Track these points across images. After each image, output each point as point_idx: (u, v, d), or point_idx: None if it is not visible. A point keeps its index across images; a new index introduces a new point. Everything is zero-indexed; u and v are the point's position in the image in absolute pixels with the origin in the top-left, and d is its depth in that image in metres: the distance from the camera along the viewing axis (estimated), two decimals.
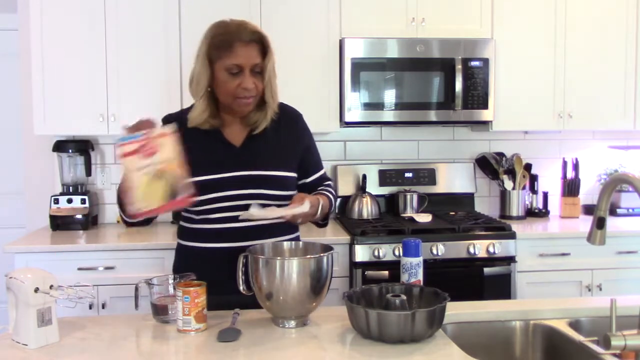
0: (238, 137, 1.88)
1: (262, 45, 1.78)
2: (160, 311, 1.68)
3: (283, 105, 1.94)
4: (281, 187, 1.86)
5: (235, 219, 1.80)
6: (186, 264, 1.91)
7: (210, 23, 1.87)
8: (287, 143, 1.92)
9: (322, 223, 1.96)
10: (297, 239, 1.95)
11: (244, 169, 1.82)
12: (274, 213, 1.72)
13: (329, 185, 2.03)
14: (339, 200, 3.54)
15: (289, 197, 1.83)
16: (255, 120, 1.86)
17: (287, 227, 1.90)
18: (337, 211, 3.57)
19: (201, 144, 1.84)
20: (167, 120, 1.91)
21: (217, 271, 1.75)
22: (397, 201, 3.50)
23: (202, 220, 1.86)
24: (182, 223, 1.96)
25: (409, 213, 3.44)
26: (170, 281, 1.74)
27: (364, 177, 3.48)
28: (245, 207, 1.77)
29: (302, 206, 1.71)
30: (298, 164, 1.93)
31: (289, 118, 1.95)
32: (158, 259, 2.93)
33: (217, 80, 1.79)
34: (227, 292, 1.69)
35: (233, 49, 1.75)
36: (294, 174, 1.91)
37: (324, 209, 1.84)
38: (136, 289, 1.72)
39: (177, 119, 1.84)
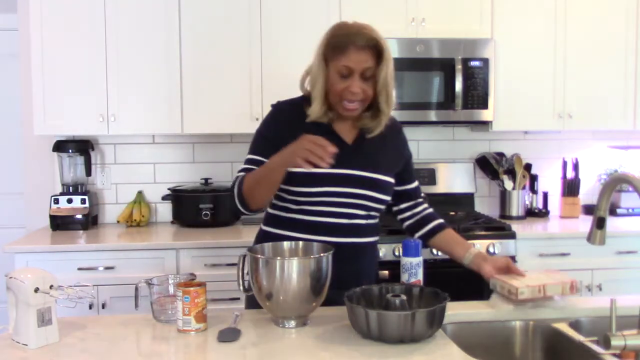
0: (349, 135, 1.89)
1: (377, 51, 1.77)
2: (160, 311, 1.68)
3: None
4: (384, 191, 1.89)
5: (333, 215, 1.83)
6: None
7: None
8: (393, 150, 1.95)
9: None
10: (377, 242, 1.97)
11: (356, 167, 1.84)
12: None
13: (425, 200, 2.12)
14: None
15: (386, 202, 1.92)
16: (366, 124, 1.87)
17: (374, 231, 1.93)
18: None
19: (314, 135, 1.78)
20: (280, 105, 1.92)
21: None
22: None
23: (299, 210, 1.85)
24: (272, 211, 1.91)
25: None
26: (170, 281, 1.74)
27: None
28: (346, 204, 1.82)
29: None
30: (400, 172, 1.98)
31: (394, 127, 1.97)
32: (158, 259, 2.93)
33: (329, 79, 1.80)
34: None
35: (346, 52, 1.76)
36: (394, 181, 1.95)
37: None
38: (136, 289, 1.72)
39: (290, 109, 1.89)
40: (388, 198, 1.92)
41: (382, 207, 1.92)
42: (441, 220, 2.04)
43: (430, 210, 2.08)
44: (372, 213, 1.90)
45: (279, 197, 1.87)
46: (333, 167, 1.75)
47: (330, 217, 1.83)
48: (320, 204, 1.82)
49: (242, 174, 1.84)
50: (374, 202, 1.87)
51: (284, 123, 1.88)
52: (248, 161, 1.87)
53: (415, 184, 2.07)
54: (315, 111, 1.84)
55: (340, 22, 1.87)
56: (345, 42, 1.77)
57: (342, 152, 1.81)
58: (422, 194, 2.12)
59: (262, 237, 1.94)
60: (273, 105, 1.95)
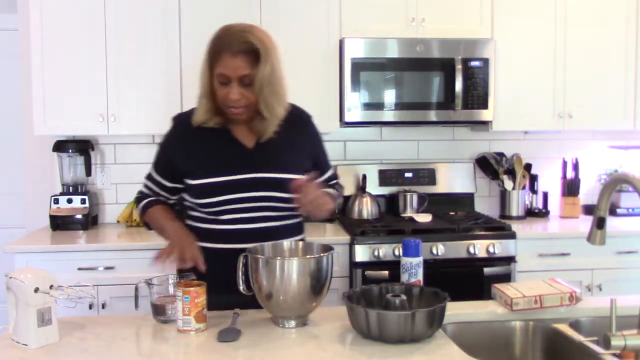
0: (249, 138, 1.86)
1: (255, 55, 1.70)
2: (160, 311, 1.68)
3: (294, 108, 1.92)
4: (292, 189, 1.85)
5: (244, 221, 1.81)
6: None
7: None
8: (298, 145, 1.90)
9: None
10: (302, 240, 1.95)
11: (255, 171, 1.81)
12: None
13: (336, 184, 2.05)
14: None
15: None
16: (258, 129, 1.84)
17: (293, 230, 1.90)
18: (337, 211, 3.56)
19: (211, 144, 1.84)
20: (177, 119, 1.92)
21: (223, 271, 1.73)
22: (397, 201, 3.50)
23: (213, 220, 1.85)
24: (189, 222, 1.92)
25: (409, 213, 3.44)
26: (170, 281, 1.74)
27: (364, 177, 3.48)
28: (255, 209, 1.80)
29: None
30: (312, 165, 1.93)
31: (300, 120, 1.93)
32: None
33: (213, 85, 1.77)
34: (233, 292, 1.67)
35: (221, 58, 1.71)
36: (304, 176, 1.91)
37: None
38: (136, 289, 1.72)
39: (187, 119, 1.86)
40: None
41: (294, 205, 1.83)
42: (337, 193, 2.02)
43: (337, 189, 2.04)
44: (287, 213, 1.86)
45: (193, 209, 1.88)
46: (235, 173, 1.79)
47: (243, 224, 1.82)
48: (230, 211, 1.81)
49: (145, 190, 1.96)
50: (282, 202, 1.82)
51: (179, 135, 1.88)
52: (149, 177, 1.95)
53: (328, 174, 2.01)
54: (197, 116, 1.82)
55: (225, 25, 1.78)
56: (220, 49, 1.72)
57: (243, 157, 1.82)
58: (336, 180, 2.07)
59: None
60: (172, 118, 1.93)
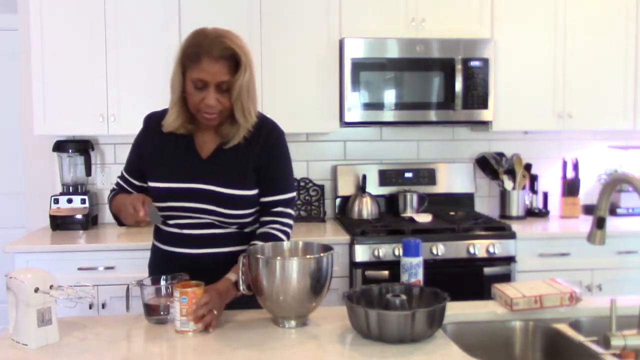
0: (207, 148, 1.84)
1: (234, 61, 1.69)
2: (152, 311, 1.68)
3: (264, 121, 1.86)
4: (239, 206, 1.81)
5: (192, 226, 1.83)
6: (157, 263, 1.96)
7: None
8: (253, 160, 1.83)
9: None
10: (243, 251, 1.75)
11: (203, 182, 1.80)
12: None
13: (276, 224, 1.85)
14: (339, 200, 3.55)
15: (247, 216, 1.83)
16: (226, 133, 1.81)
17: (240, 238, 1.84)
18: (337, 211, 3.57)
19: (171, 150, 1.85)
20: (148, 119, 1.93)
21: (169, 273, 1.76)
22: (397, 201, 3.50)
23: (173, 224, 1.87)
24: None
25: (409, 213, 3.44)
26: (162, 282, 1.73)
27: (364, 177, 3.48)
28: (198, 218, 1.81)
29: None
30: (256, 181, 1.84)
31: (263, 132, 1.84)
32: None
33: (186, 89, 1.75)
34: None
35: (200, 63, 1.68)
36: (254, 192, 1.84)
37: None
38: (127, 290, 1.72)
39: (158, 120, 1.85)
40: (240, 212, 1.81)
41: (241, 220, 1.82)
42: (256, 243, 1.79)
43: (272, 231, 1.83)
44: (231, 223, 1.82)
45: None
46: (183, 181, 1.81)
47: (191, 229, 1.84)
48: (179, 217, 1.83)
49: (115, 188, 1.98)
50: (222, 217, 1.80)
51: (148, 136, 1.90)
52: (121, 176, 1.97)
53: (273, 197, 1.85)
54: (168, 122, 1.81)
55: (199, 29, 1.76)
56: (199, 53, 1.68)
57: (194, 167, 1.82)
58: (282, 210, 1.86)
59: (153, 251, 2.01)
60: (144, 118, 1.95)
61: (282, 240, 1.82)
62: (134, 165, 1.94)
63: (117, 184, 1.99)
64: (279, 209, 1.86)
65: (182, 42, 1.77)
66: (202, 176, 1.81)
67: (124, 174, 1.97)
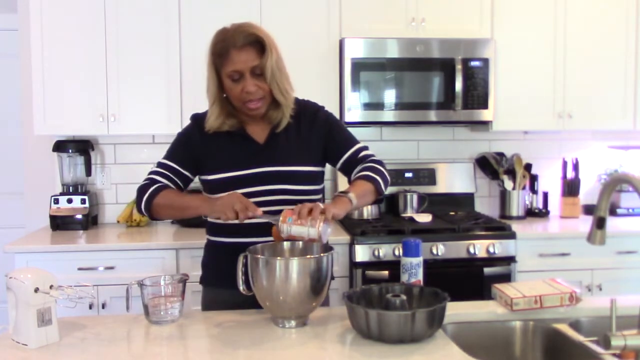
0: (261, 135, 1.89)
1: (259, 46, 1.77)
2: (152, 312, 1.68)
3: (302, 102, 1.96)
4: (305, 181, 1.88)
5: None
6: (214, 258, 1.93)
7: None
8: (308, 137, 1.91)
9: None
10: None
11: (267, 165, 1.84)
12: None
13: (366, 159, 1.94)
14: None
15: (314, 192, 1.90)
16: (274, 118, 1.87)
17: None
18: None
19: (226, 145, 1.87)
20: (196, 117, 1.94)
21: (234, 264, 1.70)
22: (397, 201, 3.50)
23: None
24: (212, 219, 1.91)
25: (409, 213, 3.44)
26: (163, 282, 1.73)
27: None
28: (270, 203, 1.81)
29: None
30: (323, 154, 1.93)
31: (309, 112, 1.94)
32: (158, 259, 2.93)
33: (225, 87, 1.82)
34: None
35: (229, 56, 1.76)
36: (319, 168, 1.93)
37: (359, 197, 1.80)
38: (127, 291, 1.71)
39: (202, 121, 1.88)
40: (313, 187, 1.89)
41: (312, 197, 1.87)
42: (363, 173, 1.88)
43: (368, 164, 1.91)
44: (301, 201, 1.81)
45: None
46: (247, 167, 1.82)
47: (257, 217, 1.79)
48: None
49: (155, 177, 1.87)
50: (296, 194, 1.85)
51: (198, 132, 1.90)
52: (162, 165, 1.90)
53: (354, 148, 1.94)
54: (210, 123, 1.85)
55: (219, 29, 1.83)
56: (226, 47, 1.76)
57: (254, 152, 1.85)
58: (367, 153, 1.96)
59: (209, 247, 1.96)
60: (190, 117, 1.96)
61: (379, 170, 1.87)
62: (181, 155, 1.90)
63: (156, 172, 1.89)
64: (362, 153, 1.94)
65: (209, 46, 1.82)
66: (264, 159, 1.84)
67: (168, 163, 1.89)
